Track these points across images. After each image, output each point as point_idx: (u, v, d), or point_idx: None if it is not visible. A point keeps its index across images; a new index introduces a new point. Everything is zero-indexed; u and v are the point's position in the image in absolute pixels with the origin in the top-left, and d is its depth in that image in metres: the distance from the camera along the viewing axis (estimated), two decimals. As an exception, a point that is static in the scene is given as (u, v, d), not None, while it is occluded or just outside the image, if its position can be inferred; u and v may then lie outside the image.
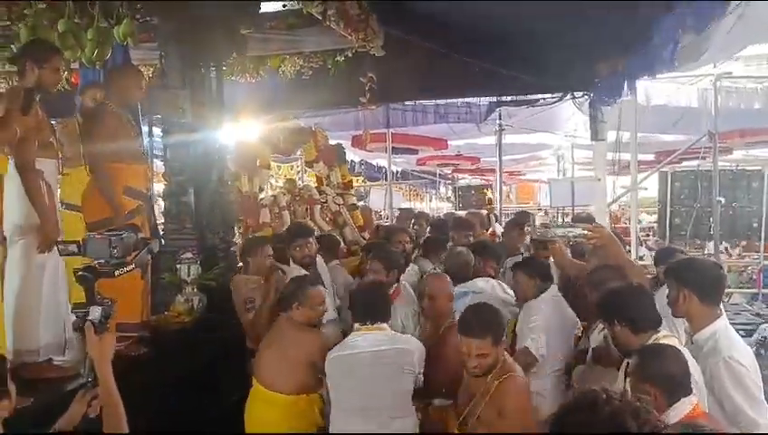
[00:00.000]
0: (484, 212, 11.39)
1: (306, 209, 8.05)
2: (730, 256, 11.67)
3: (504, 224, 10.02)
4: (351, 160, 15.69)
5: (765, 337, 6.59)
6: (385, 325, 3.99)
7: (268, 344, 4.31)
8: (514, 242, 6.52)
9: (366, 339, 3.89)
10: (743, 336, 4.38)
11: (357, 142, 12.79)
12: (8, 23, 5.00)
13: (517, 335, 4.56)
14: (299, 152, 8.75)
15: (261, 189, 8.13)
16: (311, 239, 5.56)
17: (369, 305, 4.06)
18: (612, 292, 3.61)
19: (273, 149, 8.46)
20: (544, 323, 4.41)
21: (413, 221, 8.58)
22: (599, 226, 4.70)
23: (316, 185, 8.94)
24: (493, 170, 20.34)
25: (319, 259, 5.70)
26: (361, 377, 3.83)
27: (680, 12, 5.38)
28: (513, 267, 4.95)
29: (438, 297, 4.39)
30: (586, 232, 4.34)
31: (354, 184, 11.56)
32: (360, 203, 12.51)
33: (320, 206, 8.21)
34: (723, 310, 3.46)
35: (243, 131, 8.34)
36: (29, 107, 3.91)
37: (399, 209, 12.25)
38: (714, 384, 3.11)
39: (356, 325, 4.04)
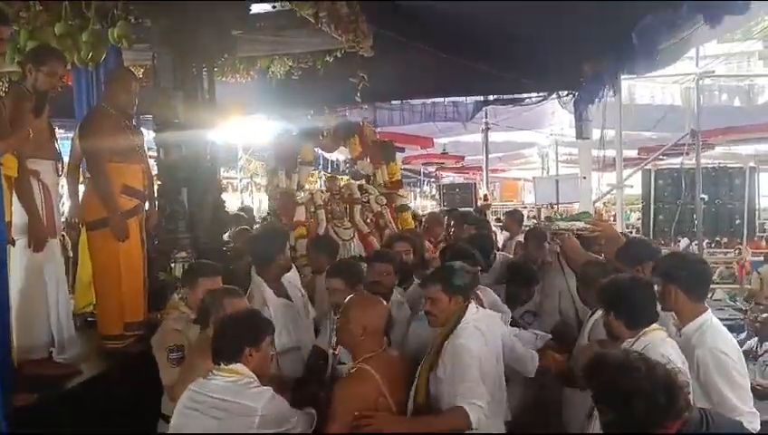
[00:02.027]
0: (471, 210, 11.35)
1: (346, 209, 7.50)
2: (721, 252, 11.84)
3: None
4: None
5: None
6: (241, 368, 3.17)
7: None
8: (536, 256, 5.88)
9: (216, 381, 3.16)
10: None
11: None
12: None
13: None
14: (343, 148, 8.29)
15: (300, 186, 7.60)
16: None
17: (221, 343, 3.21)
18: (617, 283, 3.52)
19: (315, 144, 8.03)
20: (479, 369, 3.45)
21: (452, 223, 7.79)
22: (602, 220, 4.73)
23: (361, 183, 8.24)
24: (477, 168, 20.49)
25: (292, 273, 4.80)
26: (187, 422, 3.17)
27: (665, 13, 5.52)
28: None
29: (351, 320, 3.44)
30: (588, 226, 4.41)
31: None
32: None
33: (360, 205, 7.61)
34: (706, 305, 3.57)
35: (279, 127, 7.98)
36: (41, 110, 3.97)
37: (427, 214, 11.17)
38: (700, 373, 3.23)
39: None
